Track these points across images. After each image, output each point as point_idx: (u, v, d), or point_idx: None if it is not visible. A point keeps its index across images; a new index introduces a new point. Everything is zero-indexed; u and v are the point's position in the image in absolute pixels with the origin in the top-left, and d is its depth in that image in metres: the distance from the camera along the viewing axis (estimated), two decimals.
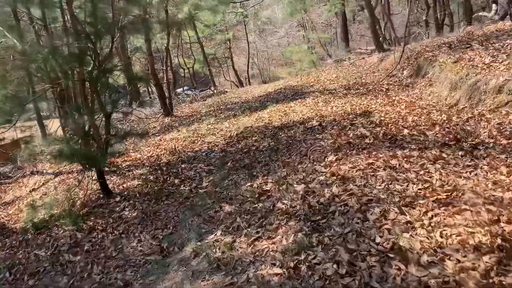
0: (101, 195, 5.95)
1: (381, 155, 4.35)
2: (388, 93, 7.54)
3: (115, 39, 4.93)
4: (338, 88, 9.42)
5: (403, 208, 3.19)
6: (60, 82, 5.93)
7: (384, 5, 14.21)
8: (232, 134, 7.99)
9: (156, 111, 13.76)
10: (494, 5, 10.78)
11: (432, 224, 2.90)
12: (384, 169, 3.95)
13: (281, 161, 5.21)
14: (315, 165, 4.60)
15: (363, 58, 14.33)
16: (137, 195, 5.71)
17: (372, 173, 3.92)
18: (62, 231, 4.99)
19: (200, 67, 26.62)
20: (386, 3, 15.28)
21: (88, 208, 5.62)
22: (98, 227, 4.93)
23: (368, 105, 6.91)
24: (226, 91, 18.52)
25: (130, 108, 15.76)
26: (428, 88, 6.86)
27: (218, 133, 8.56)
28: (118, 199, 5.72)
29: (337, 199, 3.56)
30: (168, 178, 6.12)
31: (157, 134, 10.47)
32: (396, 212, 3.14)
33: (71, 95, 7.02)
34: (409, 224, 2.97)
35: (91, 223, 5.08)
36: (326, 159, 4.66)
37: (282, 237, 3.30)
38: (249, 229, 3.67)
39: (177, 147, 8.00)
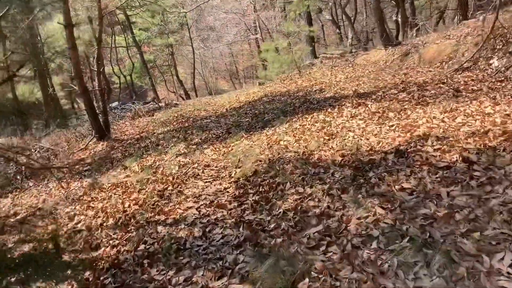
0: None
1: None
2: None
3: None
4: (385, 91, 6.11)
5: None
6: None
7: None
8: (235, 175, 4.21)
9: (84, 132, 9.26)
10: None
11: None
12: None
13: None
14: None
15: (352, 58, 11.46)
16: None
17: None
18: None
19: (137, 77, 21.93)
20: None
21: None
22: None
23: None
24: (177, 104, 14.46)
25: (46, 130, 10.99)
26: None
27: (204, 172, 4.69)
28: None
29: None
30: None
31: (85, 173, 6.23)
32: None
33: None
34: None
35: None
36: None
37: None
38: None
39: (131, 209, 3.97)
